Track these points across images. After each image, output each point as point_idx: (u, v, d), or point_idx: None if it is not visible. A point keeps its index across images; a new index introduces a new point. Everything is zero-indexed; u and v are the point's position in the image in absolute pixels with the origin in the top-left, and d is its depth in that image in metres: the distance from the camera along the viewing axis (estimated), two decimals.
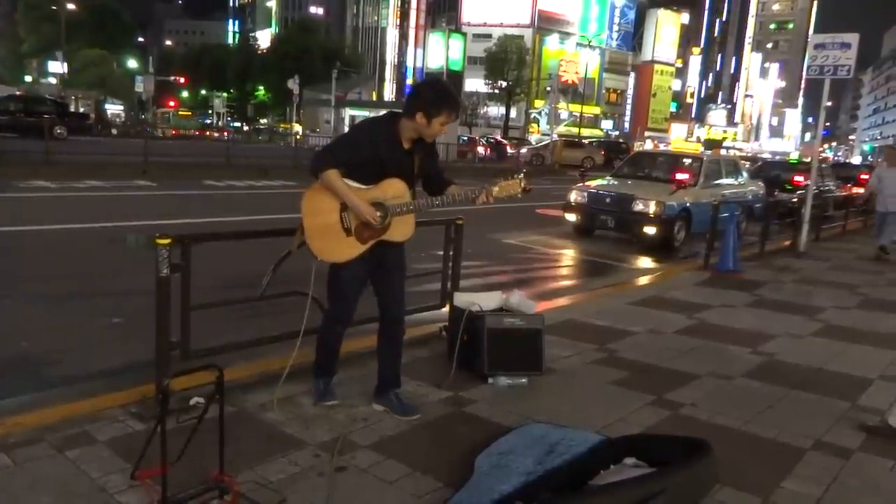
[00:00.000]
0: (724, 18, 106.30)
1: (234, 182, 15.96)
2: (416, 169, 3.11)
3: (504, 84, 57.84)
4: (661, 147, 48.00)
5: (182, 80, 63.24)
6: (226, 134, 40.89)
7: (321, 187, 3.01)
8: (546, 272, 8.17)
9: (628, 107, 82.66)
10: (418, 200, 3.10)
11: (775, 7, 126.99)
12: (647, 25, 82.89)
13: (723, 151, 40.61)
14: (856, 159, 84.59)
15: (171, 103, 62.54)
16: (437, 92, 3.03)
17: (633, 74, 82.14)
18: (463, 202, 3.10)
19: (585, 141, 43.05)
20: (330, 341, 3.33)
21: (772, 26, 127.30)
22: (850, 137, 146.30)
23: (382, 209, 3.02)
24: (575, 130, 52.38)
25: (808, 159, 10.19)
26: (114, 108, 52.11)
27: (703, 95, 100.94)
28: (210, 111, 64.51)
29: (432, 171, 3.22)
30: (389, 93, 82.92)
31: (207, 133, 42.30)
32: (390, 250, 3.16)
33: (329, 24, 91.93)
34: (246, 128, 60.29)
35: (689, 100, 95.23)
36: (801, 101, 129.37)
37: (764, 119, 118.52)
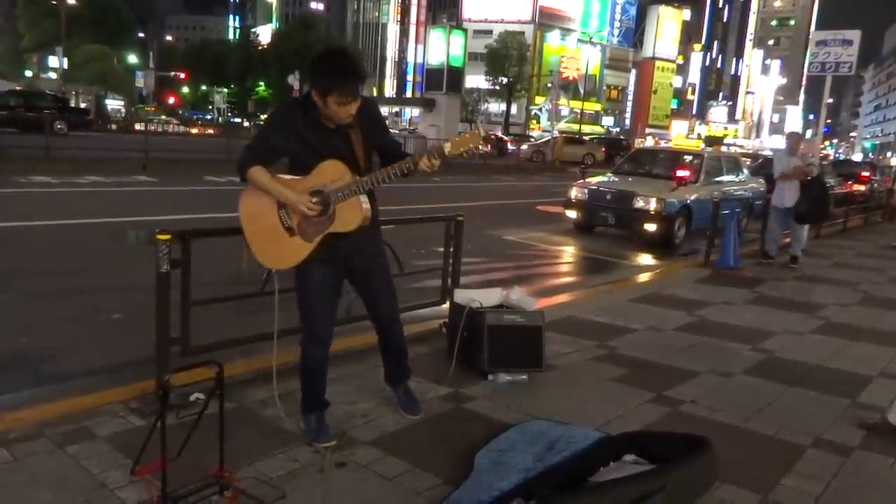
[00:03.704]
0: (725, 15, 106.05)
1: (235, 178, 15.91)
2: (359, 148, 2.76)
3: (505, 80, 57.76)
4: (662, 144, 47.96)
5: (182, 75, 63.18)
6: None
7: (252, 190, 2.74)
8: (546, 269, 8.16)
9: (629, 103, 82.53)
10: (360, 179, 2.68)
11: (777, 3, 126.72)
12: (648, 22, 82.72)
13: (723, 148, 40.56)
14: (857, 156, 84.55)
15: (172, 99, 62.51)
16: (326, 65, 2.56)
17: (634, 71, 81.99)
18: (408, 172, 2.67)
19: (586, 137, 43.04)
20: (312, 367, 2.93)
21: (773, 23, 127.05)
22: (852, 134, 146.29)
23: (322, 197, 2.68)
24: (576, 127, 52.29)
25: (811, 155, 10.12)
26: (114, 104, 52.07)
27: (704, 92, 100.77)
28: (210, 106, 64.53)
29: (384, 146, 2.89)
30: (390, 89, 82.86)
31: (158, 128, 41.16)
32: (355, 247, 2.82)
33: (329, 20, 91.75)
34: (246, 123, 60.30)
35: (690, 96, 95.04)
36: (802, 97, 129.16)
37: (765, 116, 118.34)
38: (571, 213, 10.69)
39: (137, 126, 33.39)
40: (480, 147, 2.71)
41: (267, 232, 2.75)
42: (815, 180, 8.29)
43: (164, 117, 51.54)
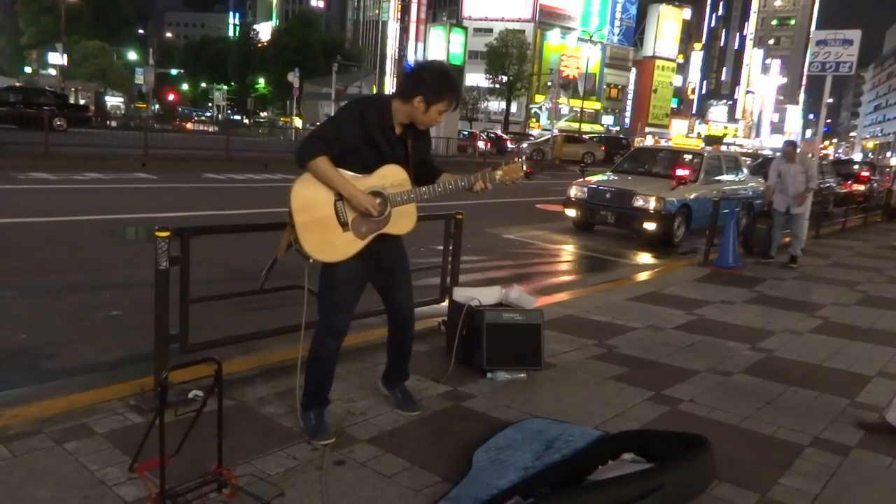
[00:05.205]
0: (725, 14, 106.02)
1: (235, 175, 15.94)
2: (410, 156, 2.86)
3: (505, 79, 57.72)
4: (662, 143, 47.96)
5: (182, 72, 63.13)
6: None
7: (310, 179, 2.72)
8: (545, 267, 8.16)
9: (629, 102, 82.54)
10: (419, 189, 2.82)
11: (777, 3, 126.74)
12: (648, 20, 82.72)
13: (723, 147, 40.56)
14: (857, 156, 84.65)
15: (172, 96, 62.48)
16: (441, 77, 2.76)
17: (634, 70, 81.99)
18: (463, 189, 2.89)
19: (586, 136, 43.01)
20: (324, 360, 2.94)
21: (774, 22, 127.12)
22: (851, 134, 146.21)
23: (381, 199, 2.76)
24: (575, 126, 52.28)
25: (810, 156, 10.13)
26: (114, 101, 52.06)
27: (704, 91, 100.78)
28: (210, 104, 64.52)
29: (425, 160, 2.98)
30: (390, 87, 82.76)
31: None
32: (387, 247, 2.90)
33: (330, 18, 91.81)
34: (247, 120, 60.38)
35: (690, 95, 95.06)
36: (802, 97, 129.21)
37: (765, 115, 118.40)
38: (571, 212, 10.68)
39: (189, 125, 34.66)
40: (522, 178, 2.99)
41: (320, 223, 2.74)
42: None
43: (205, 117, 52.86)
